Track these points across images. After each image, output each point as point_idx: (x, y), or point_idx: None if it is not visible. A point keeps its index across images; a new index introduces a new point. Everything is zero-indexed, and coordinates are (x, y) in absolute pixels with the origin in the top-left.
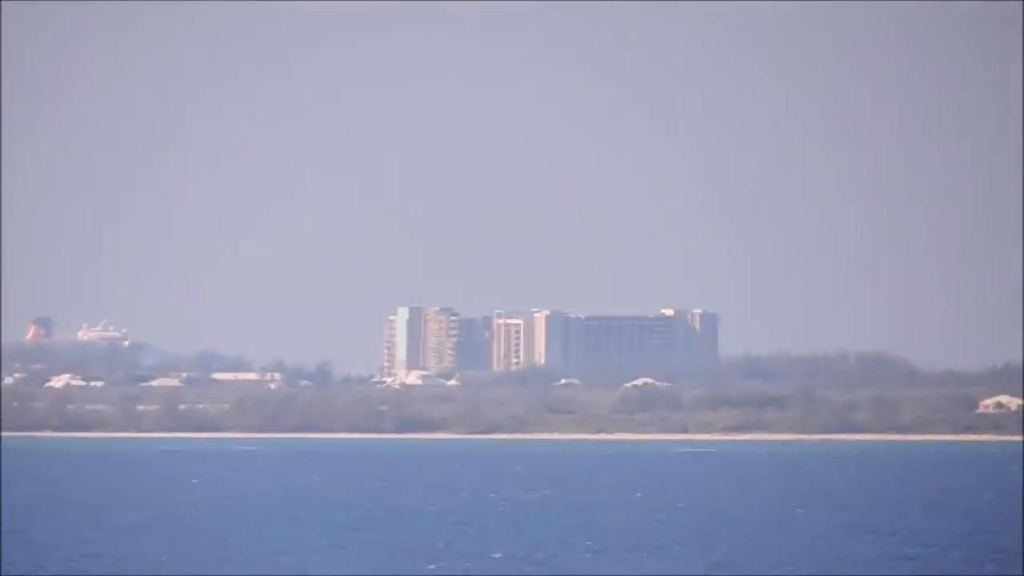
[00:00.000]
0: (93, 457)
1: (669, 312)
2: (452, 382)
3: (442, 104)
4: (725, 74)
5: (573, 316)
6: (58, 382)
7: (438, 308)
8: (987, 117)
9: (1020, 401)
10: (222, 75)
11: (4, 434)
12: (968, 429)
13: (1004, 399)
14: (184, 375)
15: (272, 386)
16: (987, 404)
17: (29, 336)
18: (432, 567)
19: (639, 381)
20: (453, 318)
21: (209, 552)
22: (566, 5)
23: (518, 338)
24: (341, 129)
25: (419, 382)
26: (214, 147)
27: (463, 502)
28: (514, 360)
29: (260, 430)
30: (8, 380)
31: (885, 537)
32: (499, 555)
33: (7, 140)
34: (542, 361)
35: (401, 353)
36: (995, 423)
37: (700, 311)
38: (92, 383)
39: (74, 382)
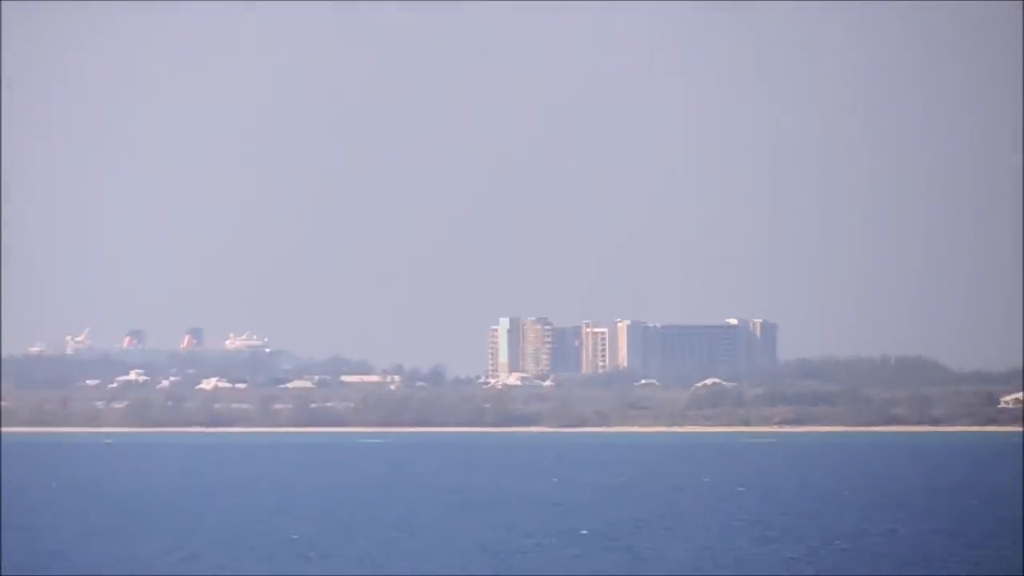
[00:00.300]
0: (236, 449)
1: (733, 322)
2: (547, 383)
3: (530, 128)
4: (780, 90)
5: (651, 325)
6: (207, 385)
7: (534, 318)
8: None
9: None
10: (323, 79)
11: (161, 430)
12: (991, 421)
13: (1022, 395)
14: (316, 378)
15: (392, 387)
16: (1007, 400)
17: (183, 344)
18: (529, 541)
19: (708, 381)
20: (547, 327)
21: (336, 530)
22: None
23: (603, 344)
24: (442, 156)
25: (518, 383)
26: (340, 170)
27: (555, 486)
28: (600, 364)
29: (381, 425)
30: (164, 383)
31: (917, 515)
32: (585, 531)
33: (145, 164)
34: (624, 364)
35: (503, 357)
36: (1015, 416)
37: (760, 321)
38: (236, 385)
39: (221, 384)
